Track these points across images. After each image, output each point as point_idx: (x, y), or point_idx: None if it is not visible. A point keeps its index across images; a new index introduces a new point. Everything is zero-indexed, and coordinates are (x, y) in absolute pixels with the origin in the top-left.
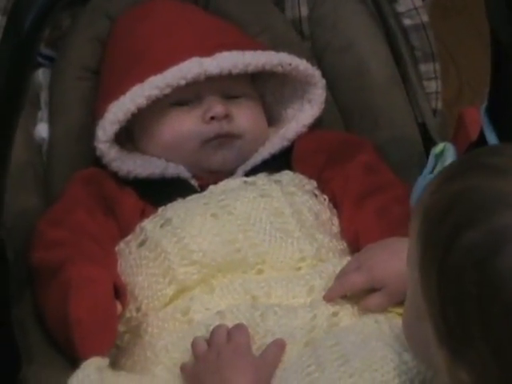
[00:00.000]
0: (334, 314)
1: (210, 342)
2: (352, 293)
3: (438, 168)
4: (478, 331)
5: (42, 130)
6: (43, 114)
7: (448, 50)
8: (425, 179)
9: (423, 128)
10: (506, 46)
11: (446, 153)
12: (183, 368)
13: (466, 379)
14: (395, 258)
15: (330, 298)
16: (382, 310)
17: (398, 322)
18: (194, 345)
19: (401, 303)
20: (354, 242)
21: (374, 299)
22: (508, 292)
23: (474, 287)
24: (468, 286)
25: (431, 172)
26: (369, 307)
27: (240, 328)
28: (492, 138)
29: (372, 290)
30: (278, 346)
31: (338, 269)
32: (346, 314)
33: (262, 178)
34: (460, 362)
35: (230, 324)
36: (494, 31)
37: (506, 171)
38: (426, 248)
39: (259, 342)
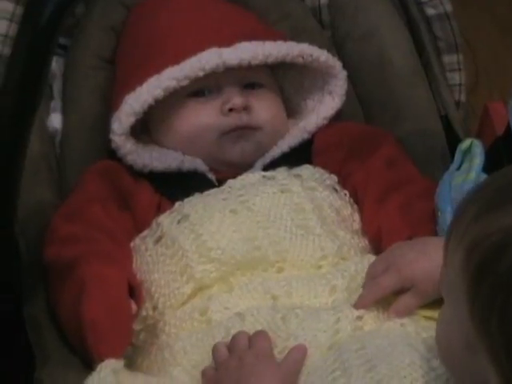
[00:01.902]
0: (359, 318)
1: (230, 348)
2: (383, 296)
3: (465, 165)
4: None
5: (56, 120)
6: (56, 104)
7: (465, 38)
8: (451, 176)
9: (446, 120)
10: None
11: (473, 149)
12: (204, 373)
13: None
14: (423, 258)
15: (362, 305)
16: (413, 311)
17: (425, 325)
18: (214, 351)
19: (427, 305)
20: (376, 239)
21: (405, 301)
22: None
23: None
24: None
25: (458, 168)
26: (400, 310)
27: (261, 334)
28: None
29: (400, 291)
30: (300, 351)
31: (360, 267)
32: (371, 318)
33: (281, 173)
34: None
35: (250, 327)
36: None
37: None
38: (478, 287)
39: (281, 345)
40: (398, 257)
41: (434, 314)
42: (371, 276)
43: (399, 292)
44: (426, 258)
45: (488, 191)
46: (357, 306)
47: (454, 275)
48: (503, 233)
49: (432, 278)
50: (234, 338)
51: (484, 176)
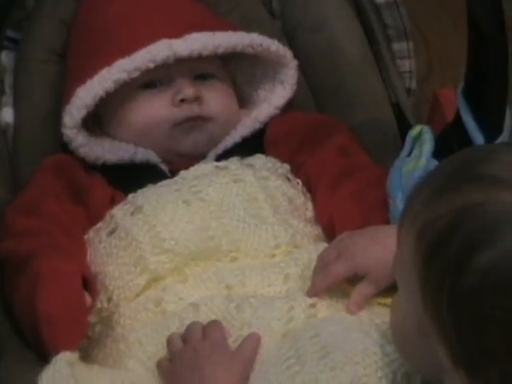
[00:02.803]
0: (312, 306)
1: (185, 338)
2: (335, 283)
3: (416, 151)
4: (502, 352)
5: (7, 114)
6: (7, 98)
7: (417, 25)
8: (402, 162)
9: (397, 108)
10: (486, 31)
11: (423, 136)
12: (159, 365)
13: None
14: (374, 245)
15: (314, 293)
16: (370, 300)
17: (378, 311)
18: (169, 342)
19: (380, 292)
20: (329, 227)
21: (361, 290)
22: None
23: (495, 310)
24: (489, 309)
25: (408, 155)
26: (357, 301)
27: (215, 323)
28: (468, 120)
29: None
30: (254, 340)
31: (314, 256)
32: (324, 305)
33: (234, 163)
34: (479, 381)
35: (204, 317)
36: (473, 16)
37: (507, 181)
38: (429, 268)
39: (235, 334)
40: (350, 245)
41: (387, 300)
42: (322, 264)
43: (351, 279)
44: (378, 246)
45: (440, 175)
46: (309, 293)
47: (406, 258)
48: (453, 213)
49: (385, 266)
50: (188, 328)
51: (434, 162)
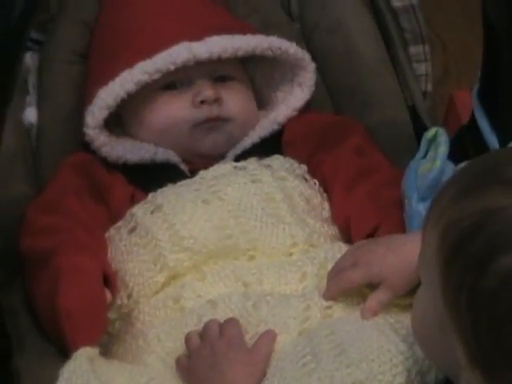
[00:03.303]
0: (328, 307)
1: (202, 336)
2: (349, 289)
3: (431, 153)
4: None
5: (31, 114)
6: (31, 98)
7: (434, 29)
8: (417, 164)
9: (413, 110)
10: (501, 33)
11: (438, 138)
12: (177, 361)
13: None
14: (390, 253)
15: (328, 297)
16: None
17: (393, 310)
18: (187, 339)
19: None
20: (346, 227)
21: (377, 297)
22: None
23: None
24: (507, 312)
25: (424, 157)
26: (372, 307)
27: (232, 321)
28: (483, 122)
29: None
30: (270, 337)
31: (330, 255)
32: (340, 307)
33: (252, 163)
34: (494, 382)
35: (222, 314)
36: (488, 18)
37: None
38: (450, 267)
39: (252, 331)
40: (366, 252)
41: (402, 300)
42: (338, 270)
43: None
44: (394, 254)
45: (467, 176)
46: (324, 297)
47: (429, 257)
48: (478, 215)
49: (400, 273)
50: (206, 326)
51: (449, 164)
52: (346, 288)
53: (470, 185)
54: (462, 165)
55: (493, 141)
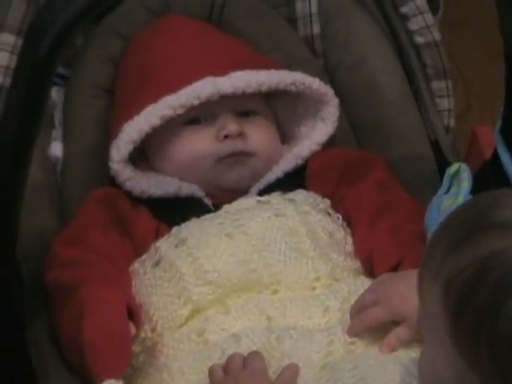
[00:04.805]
0: (351, 343)
1: (226, 369)
2: (373, 327)
3: (454, 189)
4: None
5: (56, 149)
6: (57, 132)
7: (455, 64)
8: (440, 199)
9: (436, 146)
10: None
11: (461, 173)
12: None
13: None
14: (414, 291)
15: (351, 334)
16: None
17: (414, 345)
18: (211, 373)
19: None
20: (368, 261)
21: (398, 334)
22: None
23: None
24: None
25: (446, 192)
26: (391, 343)
27: (255, 354)
28: (507, 160)
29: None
30: (293, 370)
31: (353, 288)
32: (363, 343)
33: (276, 197)
34: None
35: (245, 347)
36: (510, 55)
37: None
38: (461, 320)
39: (276, 365)
40: (389, 289)
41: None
42: (361, 306)
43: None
44: (416, 291)
45: (456, 224)
46: (348, 333)
47: (433, 313)
48: (478, 263)
49: None
50: (229, 359)
51: None
52: (369, 326)
53: (462, 233)
54: (447, 215)
55: None
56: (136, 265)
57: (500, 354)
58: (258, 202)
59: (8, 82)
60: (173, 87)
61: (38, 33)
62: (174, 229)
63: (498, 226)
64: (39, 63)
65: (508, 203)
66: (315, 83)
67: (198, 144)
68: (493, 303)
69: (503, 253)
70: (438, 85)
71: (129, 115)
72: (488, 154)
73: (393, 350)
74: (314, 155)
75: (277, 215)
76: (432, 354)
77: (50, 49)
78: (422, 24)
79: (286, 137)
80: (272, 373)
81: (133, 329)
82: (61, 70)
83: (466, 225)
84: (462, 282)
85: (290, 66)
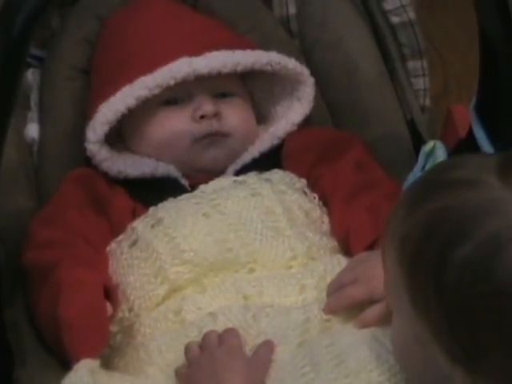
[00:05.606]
0: (327, 320)
1: (201, 346)
2: (350, 305)
3: (429, 166)
4: (493, 340)
5: (33, 130)
6: (33, 114)
7: (434, 44)
8: (415, 176)
9: (411, 125)
10: (497, 45)
11: (436, 151)
12: (177, 372)
13: None
14: None
15: (328, 312)
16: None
17: (389, 322)
18: (187, 349)
19: None
20: (345, 240)
21: (376, 310)
22: None
23: (480, 300)
24: (474, 300)
25: (421, 170)
26: (368, 318)
27: (231, 331)
28: (481, 136)
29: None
30: (268, 347)
31: (329, 267)
32: (339, 321)
33: (252, 177)
34: (478, 376)
35: (222, 326)
36: (484, 31)
37: (473, 181)
38: (414, 274)
39: (252, 343)
40: (369, 269)
41: None
42: (338, 285)
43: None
44: None
45: (414, 188)
46: (324, 312)
47: (392, 274)
48: (426, 219)
49: None
50: (205, 336)
51: None
52: (347, 304)
53: (419, 194)
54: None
55: None
56: (113, 245)
57: (446, 303)
58: (235, 181)
59: None
60: (149, 68)
61: (11, 11)
62: (151, 209)
63: (453, 183)
64: (14, 39)
65: (465, 164)
66: (291, 63)
67: (174, 124)
68: (439, 257)
69: (454, 206)
70: (413, 64)
71: (105, 96)
72: (463, 132)
73: (367, 325)
74: (290, 135)
75: (253, 195)
76: (399, 324)
77: (23, 27)
78: (397, 4)
79: (262, 117)
80: (248, 350)
81: (110, 309)
82: (37, 51)
83: (423, 186)
84: (413, 239)
85: (266, 46)
